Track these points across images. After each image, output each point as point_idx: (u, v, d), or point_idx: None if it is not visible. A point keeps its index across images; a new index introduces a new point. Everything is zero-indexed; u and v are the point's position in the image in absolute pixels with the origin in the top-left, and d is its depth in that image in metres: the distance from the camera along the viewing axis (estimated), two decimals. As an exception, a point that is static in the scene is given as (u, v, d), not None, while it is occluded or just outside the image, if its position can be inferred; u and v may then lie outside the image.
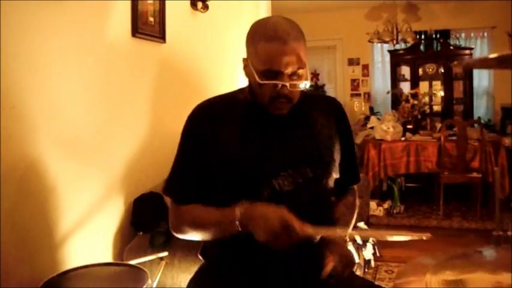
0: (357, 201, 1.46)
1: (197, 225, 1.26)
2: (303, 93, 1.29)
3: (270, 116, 1.24)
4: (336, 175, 1.32)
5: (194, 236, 1.28)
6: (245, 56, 1.25)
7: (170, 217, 1.31)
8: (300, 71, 1.18)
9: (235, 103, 1.31)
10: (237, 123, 1.27)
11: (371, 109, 6.40)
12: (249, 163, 1.24)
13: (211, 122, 1.27)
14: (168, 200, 1.36)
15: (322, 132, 1.30)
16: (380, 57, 6.68)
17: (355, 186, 1.48)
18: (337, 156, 1.32)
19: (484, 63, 1.30)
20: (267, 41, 1.15)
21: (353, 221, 1.40)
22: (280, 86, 1.16)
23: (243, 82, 1.30)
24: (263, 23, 1.22)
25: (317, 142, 1.29)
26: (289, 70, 1.16)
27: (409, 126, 4.93)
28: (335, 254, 1.18)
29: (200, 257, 1.39)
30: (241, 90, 1.34)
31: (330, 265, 1.15)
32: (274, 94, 1.18)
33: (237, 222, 1.13)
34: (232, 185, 1.25)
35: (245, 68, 1.25)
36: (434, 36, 6.10)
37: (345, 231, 1.25)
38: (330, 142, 1.31)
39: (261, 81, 1.18)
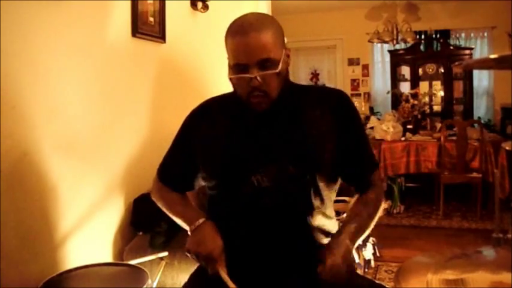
0: (382, 198, 1.32)
1: (166, 209, 1.39)
2: (298, 86, 1.31)
3: (254, 113, 1.24)
4: (327, 172, 1.25)
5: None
6: None
7: (153, 187, 1.45)
8: (270, 61, 1.17)
9: (228, 103, 1.33)
10: (227, 123, 1.30)
11: (371, 109, 6.40)
12: (228, 160, 1.26)
13: (205, 121, 1.33)
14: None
15: (312, 127, 1.25)
16: (380, 57, 6.68)
17: (378, 181, 1.35)
18: (331, 152, 1.25)
19: (484, 63, 1.30)
20: (232, 36, 1.18)
21: (372, 222, 1.28)
22: (249, 79, 1.17)
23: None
24: (234, 20, 1.23)
25: (304, 137, 1.24)
26: (254, 61, 1.16)
27: (409, 126, 4.93)
28: (328, 261, 1.13)
29: None
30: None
31: (321, 270, 1.12)
32: (248, 89, 1.19)
33: (189, 232, 1.27)
34: (216, 181, 1.30)
35: None
36: (434, 36, 6.10)
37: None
38: (321, 137, 1.24)
39: (229, 76, 1.21)
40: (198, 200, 1.45)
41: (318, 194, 1.25)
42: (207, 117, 1.34)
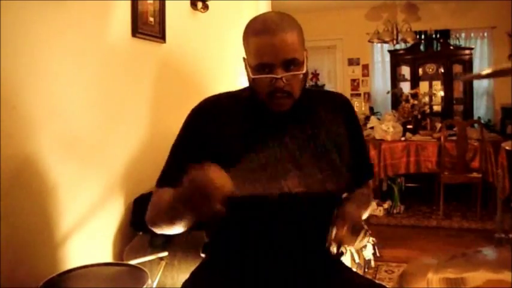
0: (371, 195, 1.45)
1: (159, 210, 1.19)
2: (308, 89, 1.27)
3: (273, 115, 1.20)
4: (346, 173, 1.27)
5: (161, 225, 1.21)
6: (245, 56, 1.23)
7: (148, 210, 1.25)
8: (295, 62, 1.14)
9: (239, 101, 1.28)
10: (241, 122, 1.24)
11: (371, 109, 6.40)
12: (255, 164, 1.19)
13: (214, 118, 1.25)
14: None
15: (329, 130, 1.26)
16: (380, 57, 6.68)
17: (370, 181, 1.45)
18: (346, 153, 1.27)
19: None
20: (256, 34, 1.14)
21: (368, 209, 1.36)
22: (274, 79, 1.13)
23: (243, 82, 1.29)
24: (254, 19, 1.20)
25: (324, 140, 1.24)
26: (280, 61, 1.12)
27: (409, 126, 4.93)
28: (343, 219, 1.13)
29: (202, 254, 1.39)
30: (246, 88, 1.31)
31: (333, 232, 1.11)
32: (270, 89, 1.15)
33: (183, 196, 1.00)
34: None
35: (245, 67, 1.22)
36: (434, 36, 6.10)
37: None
38: (338, 139, 1.26)
39: (253, 76, 1.16)
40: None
41: (338, 197, 1.30)
42: (215, 115, 1.26)
